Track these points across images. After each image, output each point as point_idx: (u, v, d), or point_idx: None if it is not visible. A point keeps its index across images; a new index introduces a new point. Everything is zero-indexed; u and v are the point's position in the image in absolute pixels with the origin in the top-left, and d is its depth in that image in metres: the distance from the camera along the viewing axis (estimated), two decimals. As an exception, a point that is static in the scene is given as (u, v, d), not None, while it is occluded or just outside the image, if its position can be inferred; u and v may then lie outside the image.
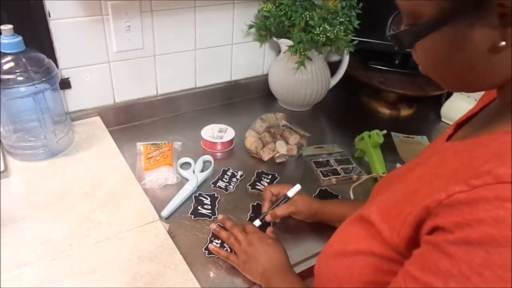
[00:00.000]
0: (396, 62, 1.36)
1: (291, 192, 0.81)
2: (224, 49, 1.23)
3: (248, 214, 0.86)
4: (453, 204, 0.37)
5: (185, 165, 0.99)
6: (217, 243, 0.78)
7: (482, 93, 1.11)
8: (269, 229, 0.79)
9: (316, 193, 0.95)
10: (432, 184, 0.42)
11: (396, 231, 0.45)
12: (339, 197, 0.94)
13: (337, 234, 0.56)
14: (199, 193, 0.91)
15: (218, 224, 0.81)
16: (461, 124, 0.55)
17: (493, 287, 0.34)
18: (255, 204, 0.89)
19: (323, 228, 0.84)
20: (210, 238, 0.79)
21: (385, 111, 1.35)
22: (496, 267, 0.34)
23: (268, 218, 0.80)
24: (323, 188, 0.96)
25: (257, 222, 0.81)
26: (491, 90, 0.46)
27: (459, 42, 0.40)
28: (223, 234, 0.77)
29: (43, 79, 0.85)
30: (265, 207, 0.82)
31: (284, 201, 0.82)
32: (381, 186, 0.63)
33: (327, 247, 0.56)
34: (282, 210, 0.80)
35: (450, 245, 0.36)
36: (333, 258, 0.53)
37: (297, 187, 0.82)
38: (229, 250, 0.76)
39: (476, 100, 1.21)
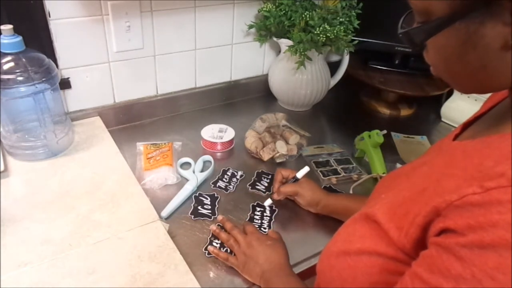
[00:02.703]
0: (396, 62, 1.36)
1: (300, 173, 0.87)
2: (224, 49, 1.23)
3: (248, 214, 0.86)
4: (464, 206, 0.37)
5: (185, 165, 0.99)
6: (217, 243, 0.78)
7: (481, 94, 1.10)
8: (270, 231, 0.79)
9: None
10: (440, 183, 0.42)
11: (404, 231, 0.44)
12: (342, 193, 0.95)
13: (340, 233, 0.55)
14: (199, 193, 0.91)
15: (218, 225, 0.81)
16: (468, 124, 0.55)
17: None
18: (255, 204, 0.89)
19: (324, 227, 0.84)
20: (210, 238, 0.79)
21: (385, 111, 1.35)
22: (509, 271, 0.33)
23: (275, 196, 0.86)
24: (327, 186, 0.97)
25: (268, 201, 0.88)
26: (503, 90, 0.45)
27: (471, 39, 0.40)
28: (223, 235, 0.77)
29: (43, 79, 0.85)
30: (275, 188, 0.88)
31: (292, 181, 0.87)
32: (385, 184, 0.62)
33: (330, 246, 0.55)
34: (287, 188, 0.86)
35: (462, 248, 0.36)
36: (336, 257, 0.52)
37: (306, 169, 0.87)
38: (228, 251, 0.76)
39: (476, 100, 1.21)
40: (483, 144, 0.42)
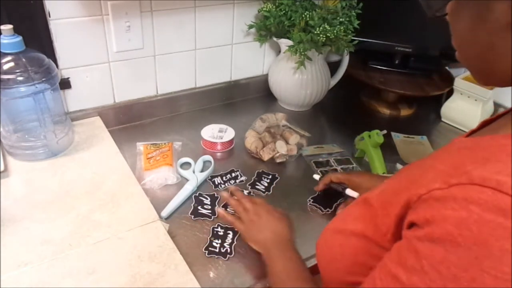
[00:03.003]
0: (396, 62, 1.36)
1: (349, 191, 0.83)
2: (224, 49, 1.23)
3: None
4: (428, 200, 0.38)
5: (185, 165, 0.99)
6: (217, 243, 0.78)
7: (481, 94, 1.09)
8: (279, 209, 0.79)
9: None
10: (425, 176, 0.42)
11: (389, 219, 0.45)
12: (342, 194, 0.94)
13: (342, 212, 0.57)
14: (199, 193, 0.91)
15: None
16: (488, 122, 0.54)
17: (448, 286, 0.34)
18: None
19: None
20: (210, 238, 0.79)
21: (385, 111, 1.35)
22: (452, 265, 0.34)
23: (325, 180, 0.87)
24: (327, 187, 0.96)
25: (316, 176, 0.89)
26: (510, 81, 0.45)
27: (482, 12, 0.40)
28: (232, 201, 0.78)
29: (43, 79, 0.85)
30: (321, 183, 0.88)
31: (338, 187, 0.85)
32: (396, 174, 0.63)
33: (330, 223, 0.57)
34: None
35: (417, 241, 0.38)
36: (331, 234, 0.55)
37: (356, 194, 0.82)
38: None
39: (476, 100, 1.21)
40: (474, 143, 0.43)
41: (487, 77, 0.47)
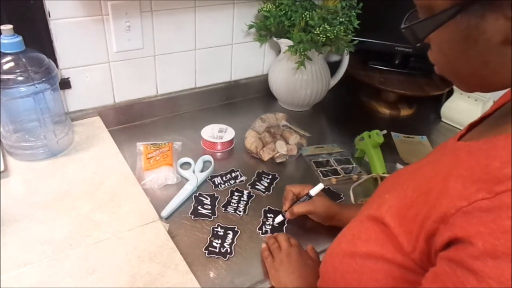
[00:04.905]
0: (396, 62, 1.36)
1: (313, 191, 0.81)
2: (224, 49, 1.23)
3: (226, 198, 0.86)
4: (473, 212, 0.36)
5: (185, 165, 0.99)
6: (217, 243, 0.78)
7: (481, 94, 1.10)
8: (310, 246, 0.77)
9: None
10: (446, 184, 0.41)
11: (414, 236, 0.43)
12: (341, 196, 0.94)
13: (345, 234, 0.54)
14: (199, 193, 0.91)
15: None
16: (474, 125, 0.54)
17: None
18: (234, 189, 0.90)
19: (325, 227, 0.83)
20: (210, 238, 0.79)
21: (385, 111, 1.35)
22: None
23: (287, 215, 0.82)
24: (326, 187, 0.96)
25: (279, 218, 0.84)
26: (506, 88, 0.45)
27: (472, 34, 0.39)
28: (271, 240, 0.77)
29: (43, 79, 0.85)
30: (286, 206, 0.84)
31: (305, 199, 0.82)
32: (388, 184, 0.60)
33: (334, 247, 0.54)
34: (299, 208, 0.81)
35: (475, 260, 0.34)
36: (340, 259, 0.51)
37: (320, 186, 0.81)
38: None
39: (476, 100, 1.21)
40: (488, 145, 0.41)
41: (478, 88, 0.46)
